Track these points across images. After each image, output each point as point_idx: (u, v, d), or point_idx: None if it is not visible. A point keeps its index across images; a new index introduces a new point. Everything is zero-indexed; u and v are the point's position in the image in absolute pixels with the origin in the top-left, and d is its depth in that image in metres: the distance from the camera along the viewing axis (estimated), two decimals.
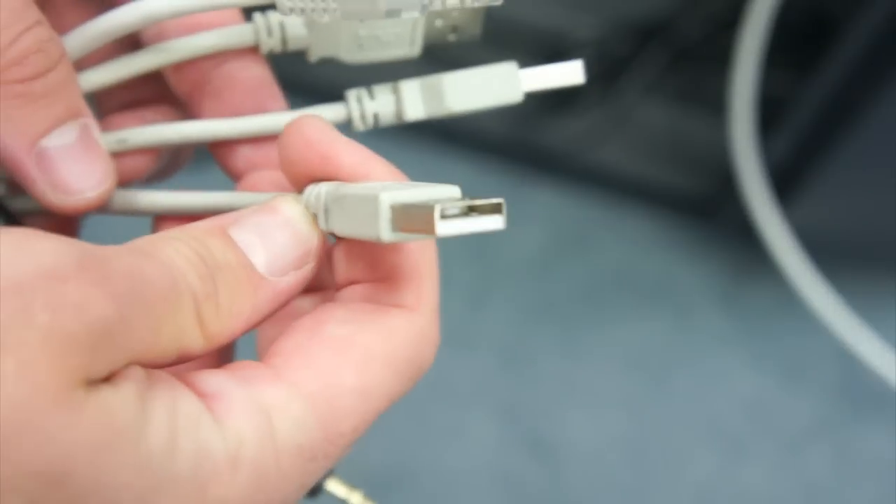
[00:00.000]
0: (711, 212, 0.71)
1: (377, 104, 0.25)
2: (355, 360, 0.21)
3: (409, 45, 0.26)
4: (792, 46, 0.61)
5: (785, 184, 0.62)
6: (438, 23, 0.26)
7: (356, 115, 0.25)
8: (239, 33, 0.25)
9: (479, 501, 0.65)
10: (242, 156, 0.26)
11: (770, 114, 0.61)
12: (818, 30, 0.61)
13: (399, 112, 0.25)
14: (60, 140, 0.23)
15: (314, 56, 0.25)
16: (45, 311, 0.16)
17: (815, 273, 0.62)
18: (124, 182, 0.25)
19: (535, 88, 0.25)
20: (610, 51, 0.69)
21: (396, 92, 0.24)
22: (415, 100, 0.24)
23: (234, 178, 0.26)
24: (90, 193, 0.23)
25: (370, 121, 0.25)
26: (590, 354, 0.69)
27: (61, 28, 0.24)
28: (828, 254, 0.63)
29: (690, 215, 0.73)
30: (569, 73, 0.25)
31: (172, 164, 0.27)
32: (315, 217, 0.22)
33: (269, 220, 0.21)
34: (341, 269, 0.23)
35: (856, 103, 0.57)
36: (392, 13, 0.22)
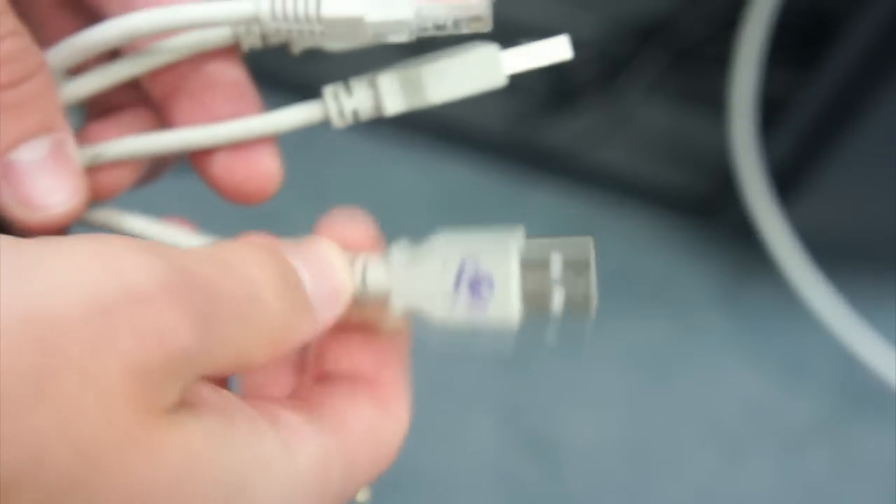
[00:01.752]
0: (711, 212, 0.71)
1: (355, 100, 0.24)
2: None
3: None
4: (792, 46, 0.61)
5: (785, 184, 0.62)
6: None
7: (334, 112, 0.24)
8: (218, 32, 0.24)
9: (479, 501, 0.65)
10: (220, 163, 0.25)
11: (770, 114, 0.61)
12: (818, 30, 0.61)
13: (378, 106, 0.24)
14: (30, 154, 0.22)
15: (297, 48, 0.25)
16: (128, 337, 0.15)
17: (815, 273, 0.62)
18: (106, 196, 0.25)
19: (520, 69, 0.23)
20: (610, 51, 0.69)
21: (374, 86, 0.24)
22: (394, 93, 0.24)
23: (211, 185, 0.26)
24: (56, 210, 0.23)
25: (349, 117, 0.24)
26: (590, 354, 0.69)
27: (45, 36, 0.24)
28: (828, 254, 0.63)
29: (690, 215, 0.73)
30: (554, 49, 0.23)
31: (155, 168, 0.27)
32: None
33: (313, 255, 0.21)
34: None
35: (856, 103, 0.57)
36: (379, 37, 0.22)
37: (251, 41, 0.24)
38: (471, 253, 0.23)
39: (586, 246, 0.23)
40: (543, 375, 0.68)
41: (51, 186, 0.23)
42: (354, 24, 0.21)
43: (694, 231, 0.73)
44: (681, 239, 0.73)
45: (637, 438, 0.67)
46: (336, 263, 0.22)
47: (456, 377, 0.67)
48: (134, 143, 0.25)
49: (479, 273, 0.22)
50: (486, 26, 0.21)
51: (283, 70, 0.72)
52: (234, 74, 0.25)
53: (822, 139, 0.60)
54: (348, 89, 0.24)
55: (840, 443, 0.68)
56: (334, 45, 0.25)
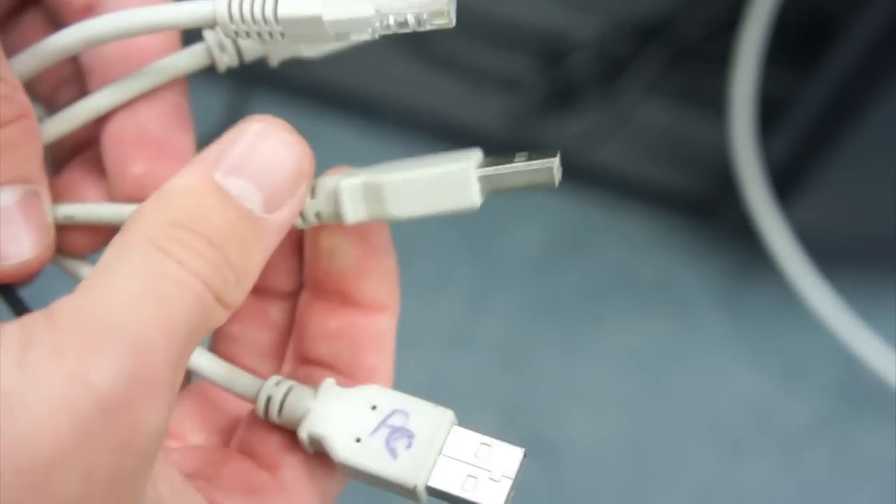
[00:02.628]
0: (711, 212, 0.71)
1: (317, 202, 0.23)
2: None
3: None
4: (792, 46, 0.61)
5: (785, 184, 0.62)
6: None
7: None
8: (193, 55, 0.24)
9: None
10: None
11: (770, 114, 0.61)
12: (818, 30, 0.61)
13: (339, 214, 0.23)
14: None
15: (275, 61, 0.25)
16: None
17: (815, 273, 0.62)
18: (77, 254, 0.25)
19: (494, 189, 0.22)
20: (610, 51, 0.69)
21: (337, 193, 0.22)
22: (356, 201, 0.22)
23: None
24: (14, 261, 0.22)
25: (312, 220, 0.23)
26: (590, 354, 0.69)
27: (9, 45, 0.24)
28: (828, 254, 0.63)
29: (690, 215, 0.73)
30: (538, 173, 0.22)
31: None
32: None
33: (254, 149, 0.20)
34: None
35: (856, 103, 0.57)
36: (341, 36, 0.21)
37: (227, 60, 0.24)
38: (406, 408, 0.22)
39: (516, 456, 0.22)
40: (543, 375, 0.68)
41: (12, 237, 0.22)
42: (313, 23, 0.21)
43: (694, 231, 0.73)
44: (681, 239, 0.73)
45: (637, 438, 0.67)
46: (283, 141, 0.20)
47: (456, 377, 0.67)
48: (106, 210, 0.24)
49: (404, 428, 0.22)
50: (450, 22, 0.21)
51: (281, 70, 0.72)
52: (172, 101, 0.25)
53: (822, 139, 0.60)
54: (312, 191, 0.23)
55: (840, 443, 0.68)
56: (310, 51, 0.25)
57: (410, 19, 0.21)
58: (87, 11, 0.24)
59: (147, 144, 0.24)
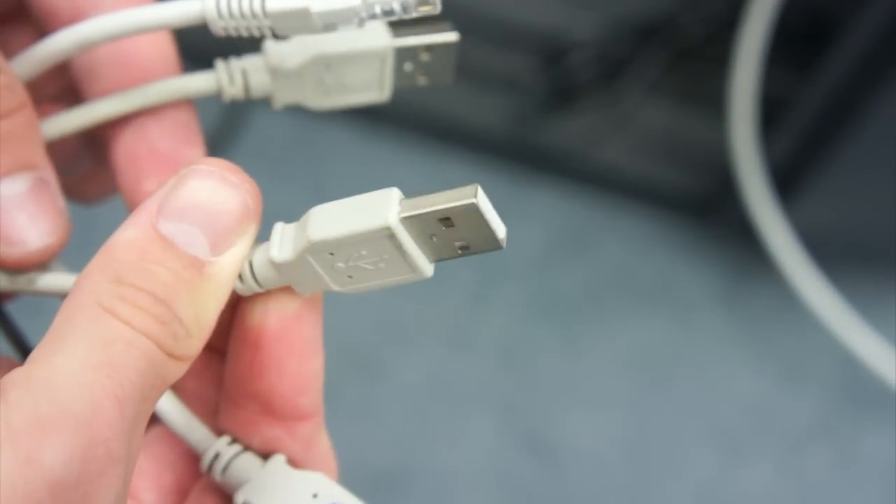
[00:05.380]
0: (711, 212, 0.71)
1: (254, 263, 0.21)
2: None
3: (377, 90, 0.26)
4: (792, 46, 0.61)
5: (785, 184, 0.62)
6: (407, 66, 0.25)
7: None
8: (200, 81, 0.25)
9: (479, 501, 0.65)
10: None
11: (770, 114, 0.61)
12: (818, 30, 0.61)
13: (269, 257, 0.21)
14: (8, 189, 0.22)
15: (278, 103, 0.25)
16: None
17: (815, 273, 0.62)
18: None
19: (409, 214, 0.22)
20: (610, 51, 0.69)
21: (272, 231, 0.21)
22: (284, 238, 0.21)
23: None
24: (32, 246, 0.22)
25: (252, 284, 0.21)
26: (590, 354, 0.69)
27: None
28: (827, 254, 0.63)
29: (690, 215, 0.73)
30: (458, 198, 0.22)
31: (103, 171, 0.26)
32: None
33: (197, 193, 0.20)
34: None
35: (856, 103, 0.57)
36: (329, 27, 0.21)
37: (233, 92, 0.25)
38: (343, 502, 0.22)
39: None
40: (543, 375, 0.68)
41: (28, 223, 0.22)
42: (301, 16, 0.21)
43: (694, 231, 0.73)
44: (681, 239, 0.73)
45: (637, 438, 0.67)
46: (226, 184, 0.20)
47: (456, 377, 0.67)
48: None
49: None
50: (436, 9, 0.21)
51: None
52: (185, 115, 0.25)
53: (822, 139, 0.60)
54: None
55: (840, 443, 0.68)
56: (314, 103, 0.25)
57: (396, 7, 0.21)
58: (75, 21, 0.24)
59: (159, 160, 0.24)
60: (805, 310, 0.62)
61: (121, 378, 0.18)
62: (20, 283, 0.23)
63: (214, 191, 0.20)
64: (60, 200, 0.23)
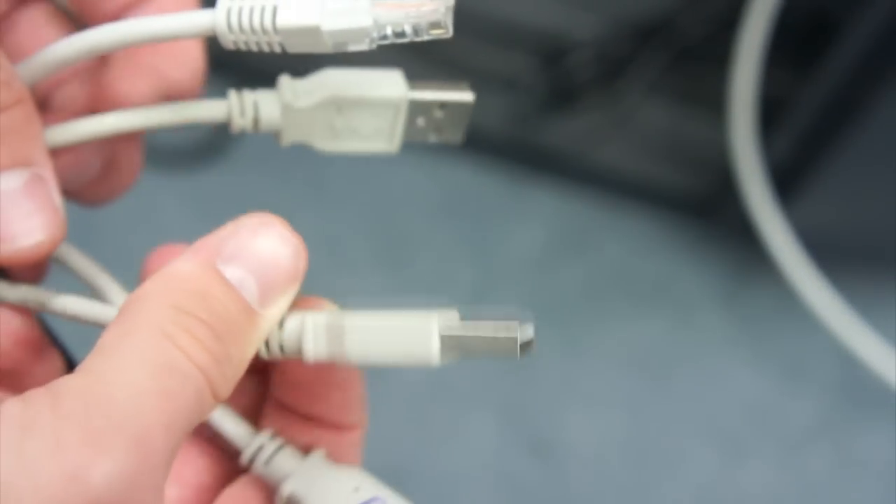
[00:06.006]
0: (711, 212, 0.71)
1: (284, 335, 0.22)
2: None
3: (387, 141, 0.25)
4: (792, 46, 0.61)
5: (785, 184, 0.62)
6: (420, 121, 0.25)
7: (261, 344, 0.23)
8: (212, 109, 0.25)
9: (479, 501, 0.65)
10: None
11: (770, 114, 0.61)
12: (818, 30, 0.61)
13: (300, 350, 0.22)
14: (2, 185, 0.22)
15: (286, 140, 0.25)
16: None
17: (815, 273, 0.62)
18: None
19: (454, 352, 0.22)
20: (610, 51, 0.69)
21: (302, 328, 0.22)
22: (318, 337, 0.22)
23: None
24: (25, 243, 0.22)
25: (276, 351, 0.22)
26: (590, 354, 0.69)
27: (23, 48, 0.24)
28: (828, 254, 0.63)
29: (690, 215, 0.73)
30: (503, 343, 0.22)
31: (112, 175, 0.26)
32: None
33: (254, 241, 0.20)
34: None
35: (856, 103, 0.57)
36: (339, 46, 0.21)
37: (242, 124, 0.25)
38: (386, 499, 0.23)
39: None
40: (543, 375, 0.68)
41: (21, 219, 0.22)
42: (311, 33, 0.21)
43: (694, 231, 0.73)
44: (681, 239, 0.73)
45: (637, 438, 0.67)
46: (284, 242, 0.20)
47: (456, 377, 0.67)
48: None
49: None
50: (447, 33, 0.21)
51: (279, 71, 0.72)
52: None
53: (822, 139, 0.60)
54: (282, 322, 0.22)
55: (840, 443, 0.68)
56: (322, 145, 0.25)
57: (408, 29, 0.21)
58: (121, 14, 0.24)
59: None
60: (805, 310, 0.62)
61: (174, 407, 0.18)
62: (21, 291, 0.23)
63: (273, 245, 0.20)
64: (57, 198, 0.23)
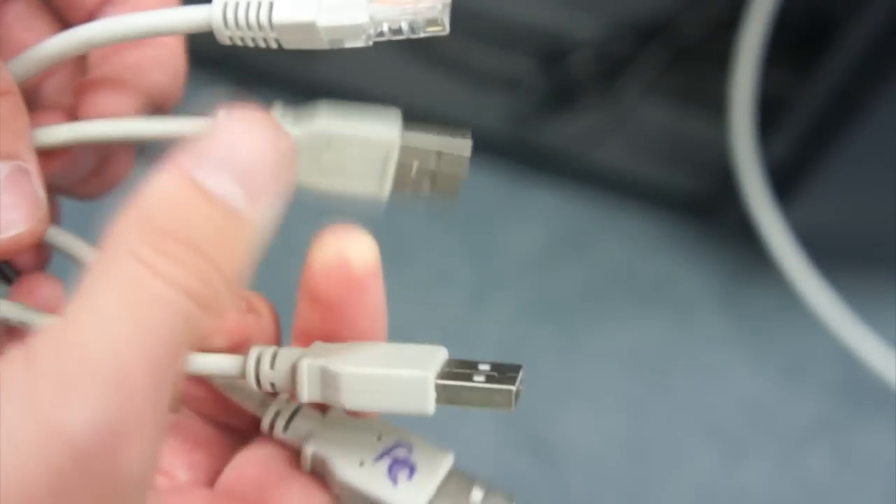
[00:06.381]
0: (711, 212, 0.71)
1: (275, 373, 0.22)
2: None
3: (377, 183, 0.23)
4: (792, 46, 0.61)
5: (785, 184, 0.62)
6: (413, 168, 0.24)
7: (251, 374, 0.23)
8: (197, 126, 0.24)
9: None
10: None
11: (770, 114, 0.61)
12: (818, 30, 0.61)
13: (296, 392, 0.22)
14: None
15: None
16: None
17: (815, 273, 0.62)
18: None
19: (453, 402, 0.22)
20: (610, 51, 0.69)
21: (295, 372, 0.22)
22: (312, 384, 0.22)
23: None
24: (3, 235, 0.21)
25: (267, 387, 0.23)
26: (590, 354, 0.69)
27: (10, 46, 0.24)
28: (828, 254, 0.63)
29: (690, 215, 0.73)
30: (497, 395, 0.22)
31: (107, 170, 0.26)
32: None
33: (232, 142, 0.19)
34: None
35: (856, 103, 0.57)
36: (335, 43, 0.21)
37: None
38: (410, 443, 0.23)
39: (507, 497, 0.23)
40: (543, 375, 0.68)
41: (2, 211, 0.22)
42: (307, 29, 0.21)
43: (694, 231, 0.73)
44: (681, 239, 0.73)
45: (637, 438, 0.67)
46: (264, 133, 0.19)
47: None
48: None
49: (407, 460, 0.22)
50: (444, 30, 0.21)
51: (281, 71, 0.72)
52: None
53: (822, 139, 0.60)
54: (274, 358, 0.22)
55: (840, 443, 0.68)
56: (309, 179, 0.24)
57: (404, 26, 0.21)
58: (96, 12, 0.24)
59: None
60: (805, 310, 0.62)
61: (153, 339, 0.17)
62: None
63: (251, 141, 0.19)
64: (40, 192, 0.22)
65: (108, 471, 0.16)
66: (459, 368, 0.22)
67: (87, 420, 0.16)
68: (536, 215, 0.72)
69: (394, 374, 0.21)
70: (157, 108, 0.25)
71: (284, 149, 0.19)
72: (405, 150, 0.23)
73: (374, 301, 0.23)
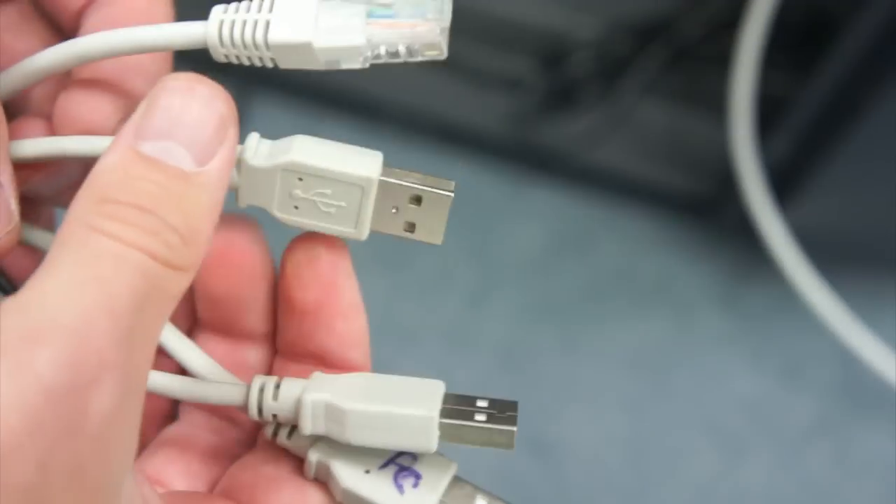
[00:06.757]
0: (711, 212, 0.71)
1: (278, 405, 0.23)
2: None
3: (353, 224, 0.23)
4: (792, 46, 0.61)
5: (785, 184, 0.62)
6: (393, 210, 0.23)
7: (254, 405, 0.23)
8: None
9: None
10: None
11: (770, 114, 0.61)
12: (818, 30, 0.61)
13: (297, 423, 0.22)
14: None
15: (243, 202, 0.23)
16: None
17: (815, 273, 0.62)
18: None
19: (454, 440, 0.22)
20: (610, 51, 0.69)
21: (299, 405, 0.22)
22: (316, 417, 0.22)
23: None
24: None
25: (268, 418, 0.23)
26: (590, 354, 0.69)
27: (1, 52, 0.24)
28: (828, 254, 0.63)
29: (690, 215, 0.73)
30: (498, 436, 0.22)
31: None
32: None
33: (171, 109, 0.20)
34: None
35: (856, 103, 0.57)
36: (331, 64, 0.21)
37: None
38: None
39: None
40: (543, 375, 0.68)
41: None
42: (303, 50, 0.21)
43: (694, 231, 0.73)
44: (681, 239, 0.73)
45: (637, 438, 0.67)
46: (198, 94, 0.20)
47: (456, 377, 0.67)
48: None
49: (412, 469, 0.23)
50: (442, 54, 0.21)
51: (281, 72, 0.72)
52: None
53: (821, 139, 0.60)
54: (277, 389, 0.23)
55: (840, 443, 0.68)
56: (282, 215, 0.23)
57: (402, 49, 0.21)
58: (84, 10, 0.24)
59: None
60: (805, 310, 0.62)
61: (111, 290, 0.18)
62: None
63: (188, 104, 0.20)
64: (13, 205, 0.22)
65: (78, 408, 0.17)
66: (459, 405, 0.22)
67: (54, 363, 0.17)
68: (536, 215, 0.72)
69: (400, 412, 0.22)
70: None
71: (223, 107, 0.20)
72: (382, 188, 0.22)
73: (349, 301, 0.23)
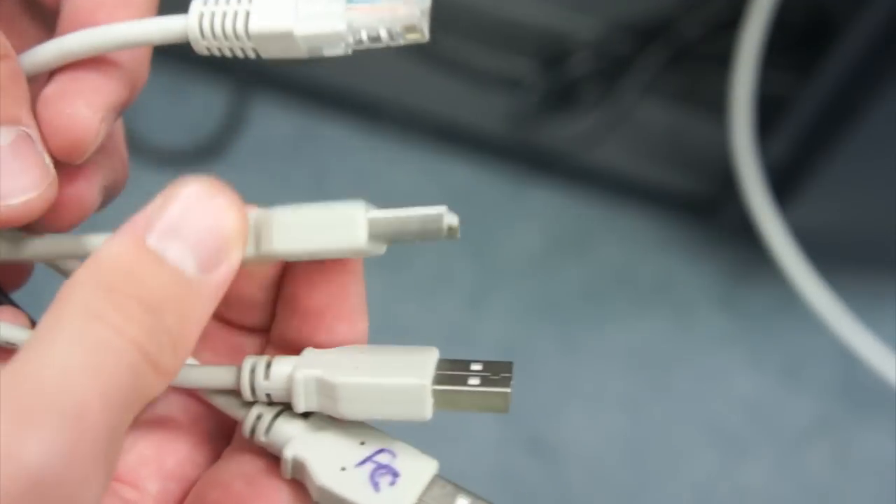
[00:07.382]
0: (711, 212, 0.71)
1: (270, 384, 0.22)
2: None
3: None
4: (792, 46, 0.61)
5: (785, 184, 0.62)
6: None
7: (246, 386, 0.22)
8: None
9: None
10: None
11: (770, 114, 0.61)
12: (818, 30, 0.61)
13: (294, 404, 0.22)
14: None
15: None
16: None
17: (815, 273, 0.62)
18: (75, 216, 0.24)
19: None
20: (610, 51, 0.69)
21: (291, 382, 0.22)
22: (308, 394, 0.22)
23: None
24: (12, 200, 0.21)
25: (262, 398, 0.23)
26: (590, 354, 0.69)
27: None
28: (828, 254, 0.63)
29: (690, 215, 0.73)
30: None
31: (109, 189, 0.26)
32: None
33: (186, 211, 0.20)
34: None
35: (856, 103, 0.57)
36: (314, 51, 0.21)
37: None
38: (394, 449, 0.23)
39: None
40: (543, 375, 0.68)
41: (9, 177, 0.21)
42: (285, 38, 0.21)
43: (694, 231, 0.73)
44: (681, 239, 0.73)
45: (637, 438, 0.67)
46: (215, 204, 0.20)
47: None
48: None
49: (390, 466, 0.22)
50: (423, 37, 0.21)
51: (281, 71, 0.72)
52: None
53: (821, 139, 0.60)
54: (268, 368, 0.22)
55: (840, 443, 0.68)
56: (280, 246, 0.22)
57: (383, 34, 0.21)
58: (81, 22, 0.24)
59: None
60: (805, 310, 0.62)
61: (107, 381, 0.17)
62: (22, 250, 0.23)
63: (204, 212, 0.20)
64: (47, 158, 0.22)
65: (64, 502, 0.16)
66: (453, 370, 0.22)
67: (42, 450, 0.16)
68: (536, 215, 0.73)
69: (391, 382, 0.21)
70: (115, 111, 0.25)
71: (236, 222, 0.20)
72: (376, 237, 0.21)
73: (354, 305, 0.23)
